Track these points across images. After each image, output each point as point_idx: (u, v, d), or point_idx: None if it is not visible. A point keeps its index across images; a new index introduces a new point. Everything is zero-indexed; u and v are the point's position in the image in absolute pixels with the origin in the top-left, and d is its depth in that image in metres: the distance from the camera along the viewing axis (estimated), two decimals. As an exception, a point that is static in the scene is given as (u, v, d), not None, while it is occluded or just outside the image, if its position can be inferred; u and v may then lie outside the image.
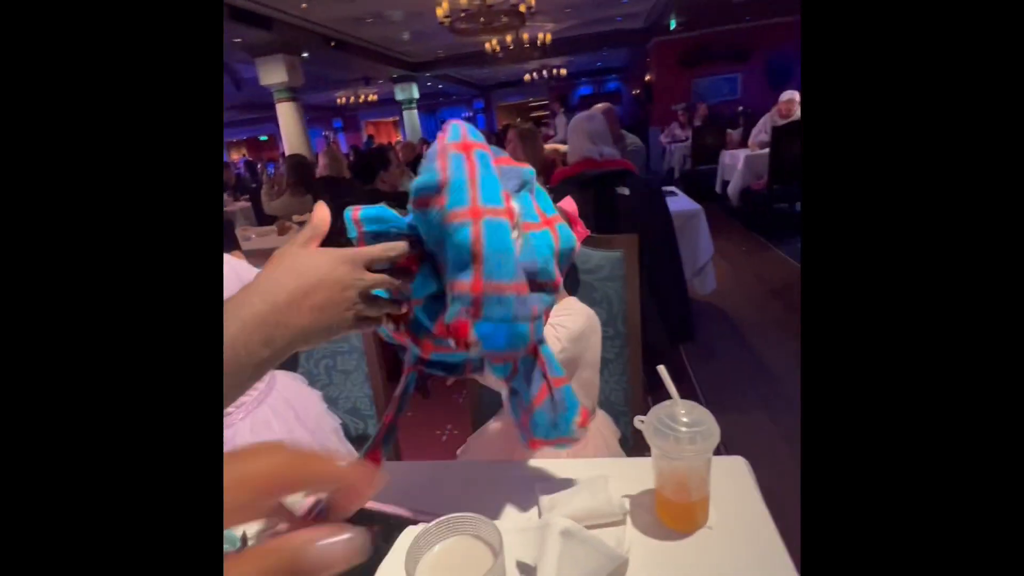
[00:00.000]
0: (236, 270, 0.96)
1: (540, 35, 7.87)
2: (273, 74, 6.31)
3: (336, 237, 0.80)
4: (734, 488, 0.61)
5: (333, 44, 7.11)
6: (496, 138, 7.32)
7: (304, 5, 5.51)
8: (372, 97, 14.32)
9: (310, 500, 0.56)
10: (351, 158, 6.02)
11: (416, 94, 11.70)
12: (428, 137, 11.24)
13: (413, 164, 5.14)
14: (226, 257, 0.96)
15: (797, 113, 4.35)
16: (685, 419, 0.54)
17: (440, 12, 5.27)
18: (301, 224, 3.03)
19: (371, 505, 0.65)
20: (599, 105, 2.77)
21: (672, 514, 0.57)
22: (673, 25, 8.79)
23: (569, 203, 0.88)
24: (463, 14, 5.42)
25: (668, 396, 0.58)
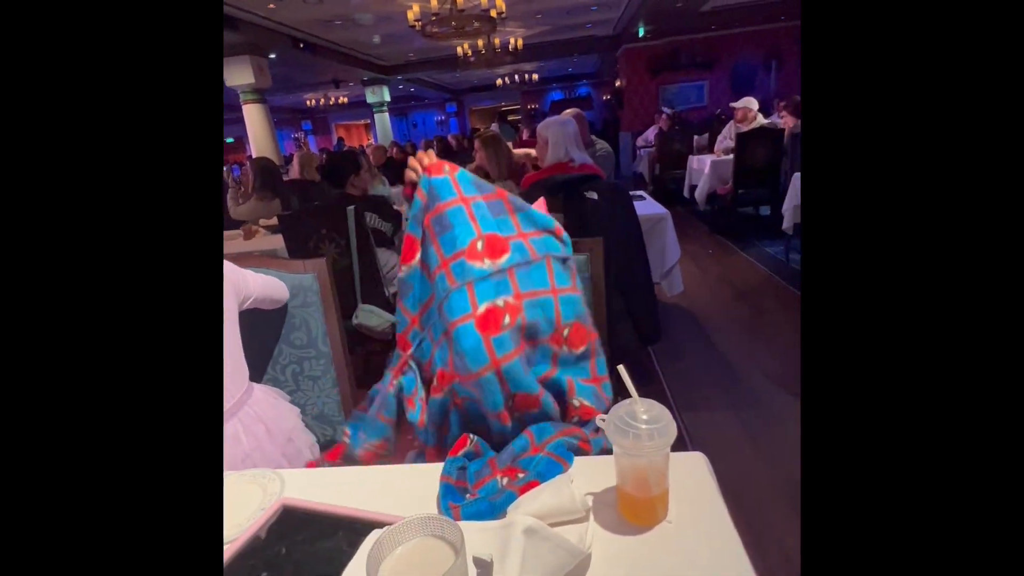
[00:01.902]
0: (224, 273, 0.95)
1: (511, 40, 7.92)
2: (239, 75, 6.17)
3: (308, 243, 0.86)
4: (693, 484, 0.63)
5: (301, 46, 7.00)
6: (469, 141, 7.31)
7: (271, 5, 5.42)
8: (342, 100, 14.13)
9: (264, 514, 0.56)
10: (323, 160, 5.93)
11: (387, 97, 11.60)
12: (399, 140, 11.15)
13: (383, 168, 5.10)
14: None
15: (755, 120, 4.49)
16: (644, 416, 0.55)
17: (411, 16, 5.25)
18: (268, 229, 2.97)
19: (335, 509, 0.64)
20: (570, 110, 2.80)
21: (633, 509, 0.59)
22: (641, 33, 8.97)
23: (541, 205, 0.90)
24: (434, 18, 5.41)
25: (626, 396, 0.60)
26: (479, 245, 0.79)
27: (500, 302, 0.76)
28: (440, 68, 10.87)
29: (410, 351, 0.83)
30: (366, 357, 2.43)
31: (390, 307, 2.24)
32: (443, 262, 0.79)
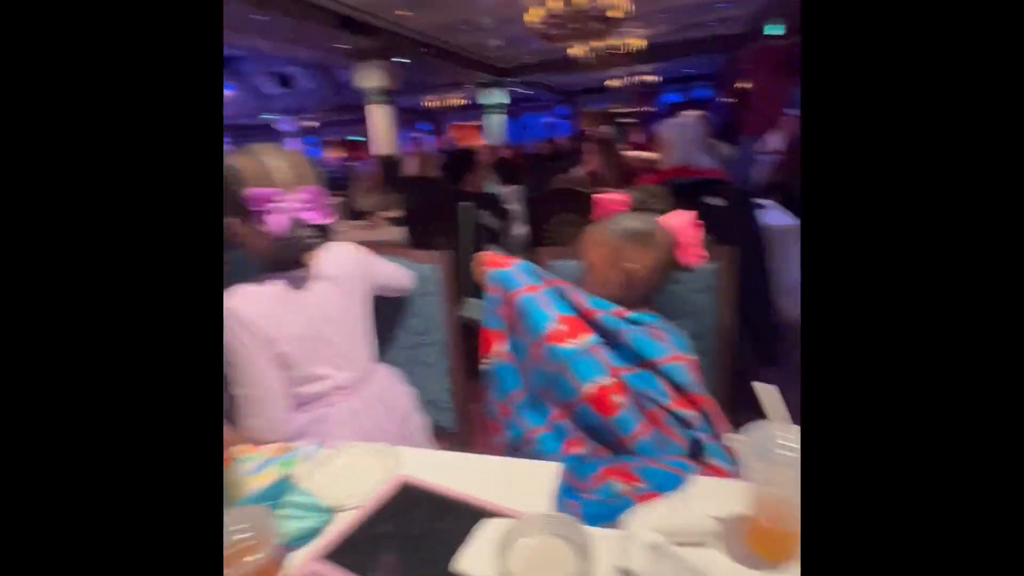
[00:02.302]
0: (359, 255, 1.03)
1: (632, 41, 7.74)
2: (372, 78, 6.67)
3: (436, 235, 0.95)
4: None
5: (425, 50, 7.41)
6: (578, 144, 7.27)
7: (404, 12, 5.79)
8: (459, 101, 14.73)
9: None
10: (439, 158, 6.24)
11: (501, 99, 11.90)
12: (511, 141, 11.38)
13: (495, 168, 5.23)
14: (349, 246, 1.02)
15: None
16: (789, 443, 0.50)
17: (529, 18, 5.33)
18: (389, 220, 3.18)
19: (452, 492, 0.66)
20: (693, 112, 2.68)
21: (764, 542, 0.54)
22: (775, 31, 8.33)
23: (678, 218, 0.88)
24: (553, 20, 5.44)
25: (757, 417, 0.55)
26: (561, 327, 0.86)
27: (603, 382, 0.82)
28: (555, 71, 10.94)
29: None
30: (468, 351, 2.51)
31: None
32: (533, 349, 0.88)
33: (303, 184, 0.85)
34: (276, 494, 0.67)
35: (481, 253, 0.99)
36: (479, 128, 18.84)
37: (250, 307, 0.83)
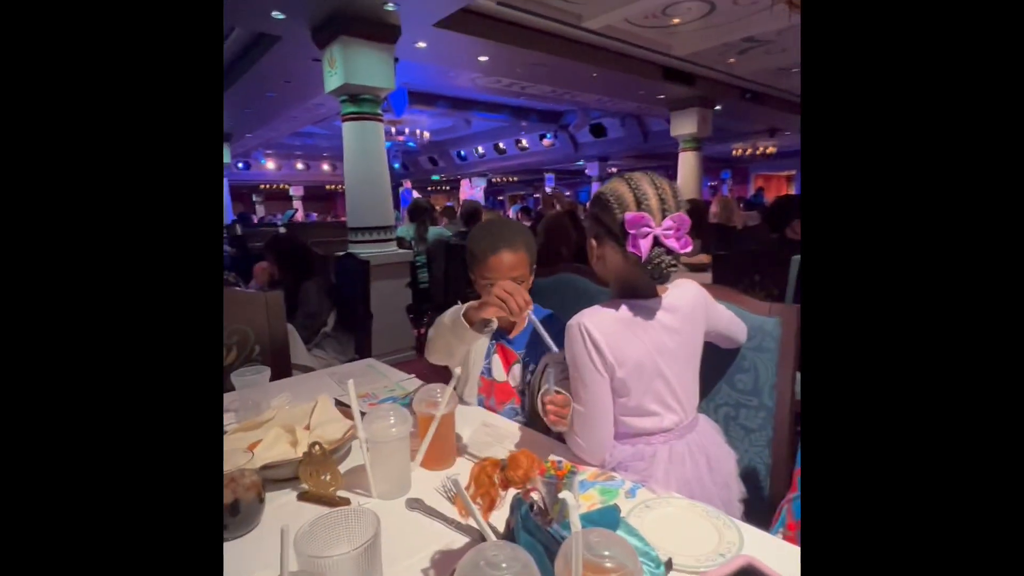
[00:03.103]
0: (702, 294, 1.00)
1: None
2: (685, 125, 6.74)
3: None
4: None
5: (748, 96, 7.08)
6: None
7: (732, 60, 5.67)
8: (770, 149, 13.66)
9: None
10: (741, 207, 5.87)
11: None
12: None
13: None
14: (693, 284, 1.01)
15: None
16: None
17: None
18: (687, 266, 3.09)
19: None
20: None
21: None
22: None
23: None
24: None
25: None
26: None
27: None
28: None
29: None
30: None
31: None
32: None
33: (669, 212, 0.86)
34: (609, 523, 0.66)
35: None
36: (788, 178, 17.12)
37: (603, 329, 0.87)
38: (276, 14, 3.37)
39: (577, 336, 0.87)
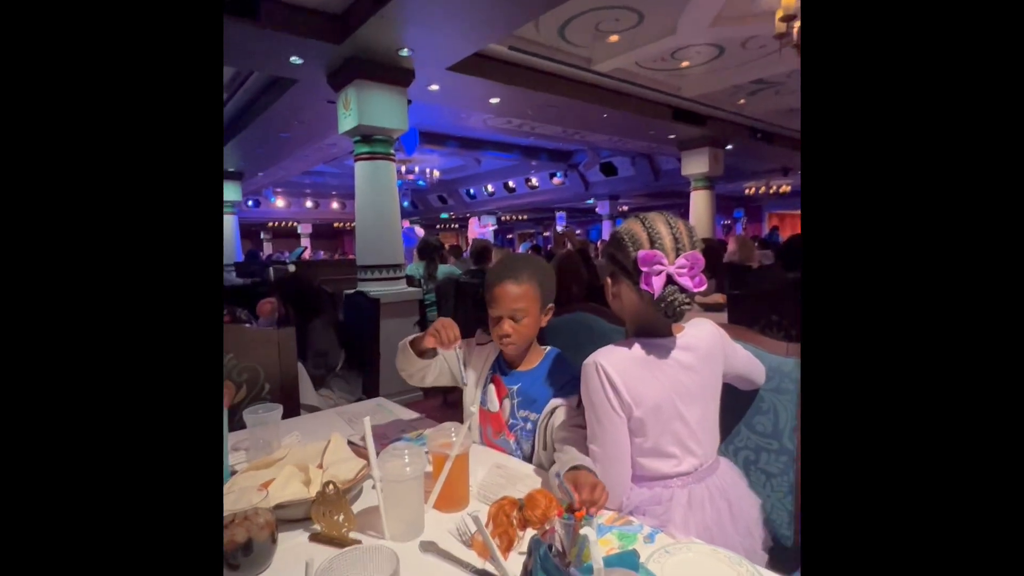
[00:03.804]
0: (719, 334, 1.02)
1: None
2: (695, 165, 6.87)
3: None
4: None
5: (759, 136, 7.24)
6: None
7: (742, 101, 5.84)
8: (784, 188, 13.81)
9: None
10: (756, 246, 5.90)
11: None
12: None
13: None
14: (710, 323, 1.03)
15: None
16: None
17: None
18: (701, 306, 3.09)
19: None
20: None
21: None
22: None
23: None
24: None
25: None
26: None
27: None
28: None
29: None
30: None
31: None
32: None
33: (683, 251, 0.89)
34: (628, 568, 0.66)
35: None
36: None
37: (620, 368, 0.89)
38: (294, 59, 3.55)
39: (594, 375, 0.89)
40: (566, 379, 1.15)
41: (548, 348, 1.25)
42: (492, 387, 1.24)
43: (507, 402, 1.21)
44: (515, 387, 1.21)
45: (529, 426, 1.16)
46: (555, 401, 1.12)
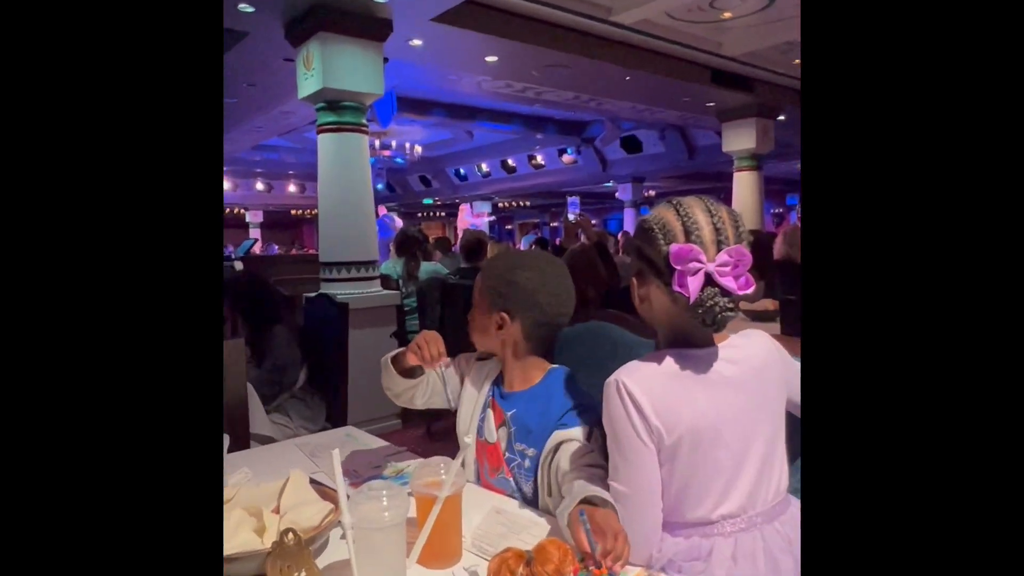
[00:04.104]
0: (778, 350, 1.03)
1: None
2: (740, 140, 6.88)
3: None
4: None
5: (818, 104, 7.26)
6: None
7: (797, 61, 5.86)
8: (849, 169, 13.83)
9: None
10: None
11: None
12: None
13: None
14: (766, 336, 1.04)
15: None
16: None
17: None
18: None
19: None
20: None
21: None
22: None
23: None
24: None
25: None
26: None
27: None
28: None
29: None
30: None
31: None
32: None
33: (725, 245, 0.89)
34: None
35: None
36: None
37: (648, 388, 0.89)
38: (244, 6, 3.56)
39: (615, 397, 0.89)
40: (572, 404, 1.13)
41: (553, 366, 1.23)
42: (491, 412, 1.23)
43: (503, 431, 1.21)
44: (510, 413, 1.20)
45: (528, 463, 1.15)
46: (560, 434, 1.09)
